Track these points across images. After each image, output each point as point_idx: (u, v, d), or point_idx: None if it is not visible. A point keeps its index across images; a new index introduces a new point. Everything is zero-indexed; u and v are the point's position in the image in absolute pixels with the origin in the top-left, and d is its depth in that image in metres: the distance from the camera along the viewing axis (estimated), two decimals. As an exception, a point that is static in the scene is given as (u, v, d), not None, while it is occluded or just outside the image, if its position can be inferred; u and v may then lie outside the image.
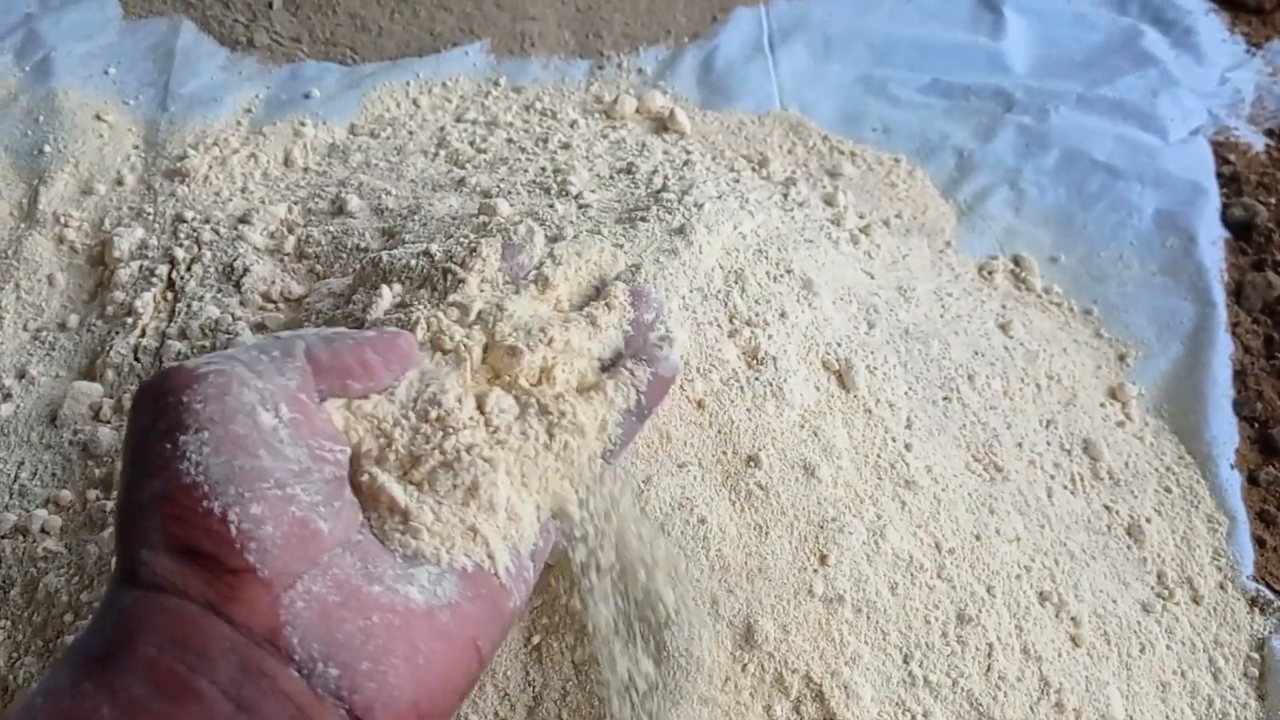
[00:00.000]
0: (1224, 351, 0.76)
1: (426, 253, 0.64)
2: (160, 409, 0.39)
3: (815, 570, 0.55)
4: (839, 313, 0.66)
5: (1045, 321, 0.78)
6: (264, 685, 0.36)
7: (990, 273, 0.81)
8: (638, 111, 0.90)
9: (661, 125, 0.89)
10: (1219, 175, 0.87)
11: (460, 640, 0.41)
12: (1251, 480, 0.71)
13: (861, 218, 0.81)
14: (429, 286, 0.55)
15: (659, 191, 0.71)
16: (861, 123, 0.92)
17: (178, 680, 0.35)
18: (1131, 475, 0.69)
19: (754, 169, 0.85)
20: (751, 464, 0.56)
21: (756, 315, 0.62)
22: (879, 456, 0.60)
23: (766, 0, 1.01)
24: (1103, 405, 0.73)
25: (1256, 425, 0.74)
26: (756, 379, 0.59)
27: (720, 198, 0.70)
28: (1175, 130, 0.89)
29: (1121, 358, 0.77)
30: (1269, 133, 0.91)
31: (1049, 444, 0.69)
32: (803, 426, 0.59)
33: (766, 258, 0.66)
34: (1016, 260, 0.82)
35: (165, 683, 0.35)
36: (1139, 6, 1.00)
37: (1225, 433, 0.72)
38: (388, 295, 0.62)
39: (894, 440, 0.61)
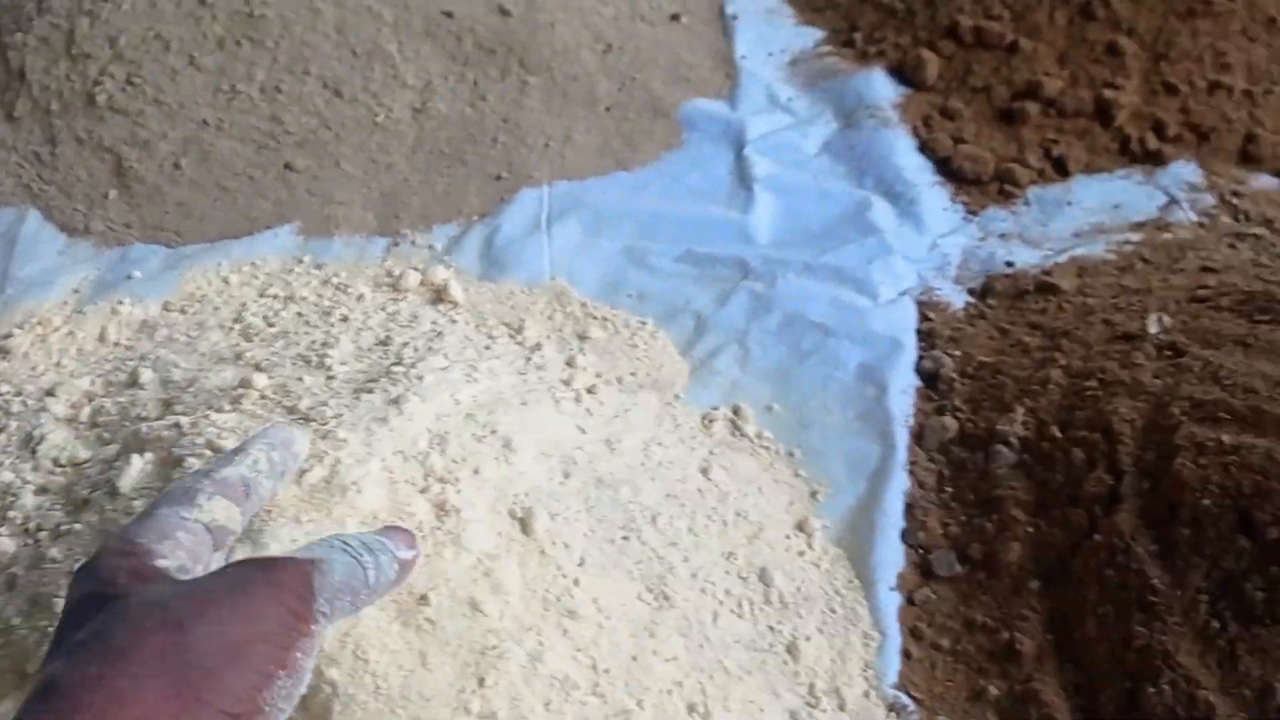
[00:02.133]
0: (899, 487, 0.89)
1: (176, 425, 0.76)
2: (290, 609, 0.45)
3: (474, 691, 0.65)
4: (537, 466, 0.78)
5: (750, 464, 0.90)
6: None
7: (711, 421, 0.93)
8: (422, 284, 1.03)
9: (439, 296, 1.02)
10: (918, 331, 1.00)
11: None
12: (909, 600, 0.83)
13: (599, 376, 0.93)
14: None
15: (394, 364, 0.83)
16: (620, 290, 1.05)
17: None
18: (802, 599, 0.81)
19: (511, 334, 0.97)
20: (422, 601, 0.67)
21: (450, 473, 0.74)
22: (547, 591, 0.71)
23: (551, 182, 1.15)
24: (788, 537, 0.85)
25: (920, 551, 0.86)
26: (439, 529, 0.71)
27: (445, 369, 0.82)
28: (885, 292, 1.03)
29: (813, 494, 0.89)
30: (971, 291, 1.05)
31: (726, 573, 0.80)
32: (476, 568, 0.70)
33: (475, 421, 0.78)
34: (736, 410, 0.95)
35: None
36: (874, 180, 1.15)
37: (891, 558, 0.84)
38: (137, 464, 0.73)
39: (564, 576, 0.73)
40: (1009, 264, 1.07)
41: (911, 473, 0.90)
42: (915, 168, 1.17)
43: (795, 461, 0.92)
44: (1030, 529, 0.84)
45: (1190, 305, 0.95)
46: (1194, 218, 1.13)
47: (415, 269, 1.04)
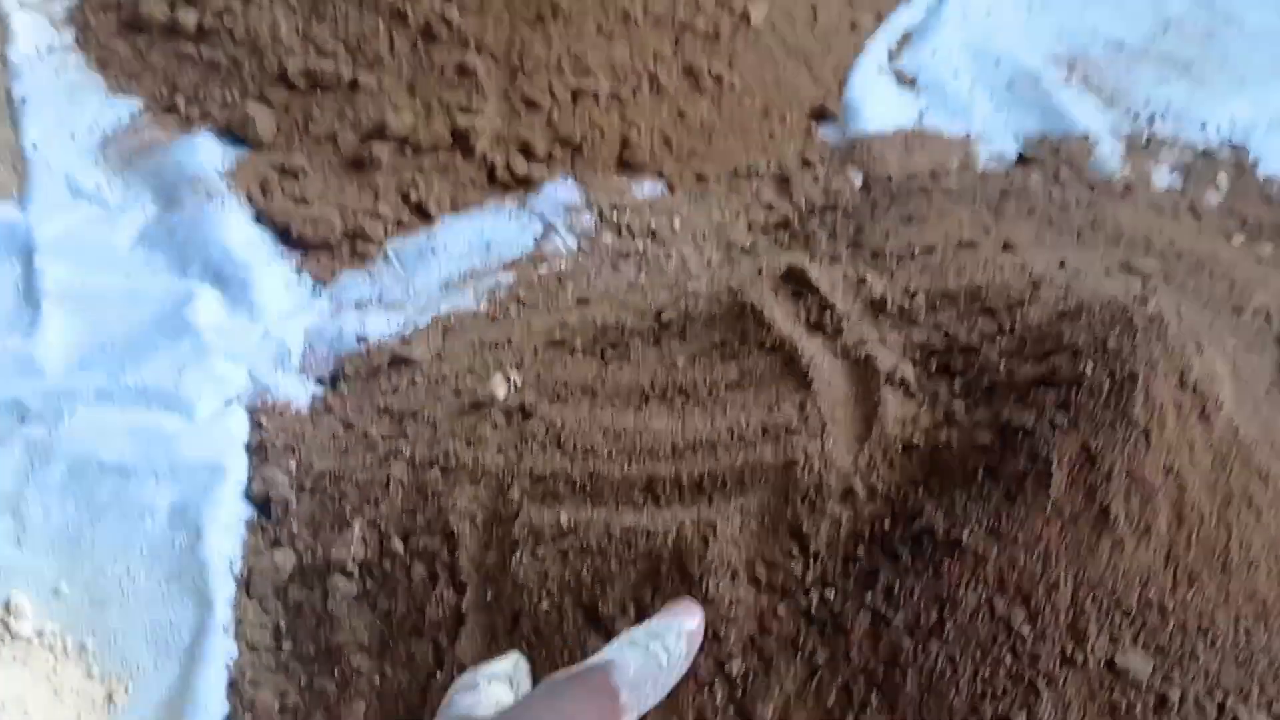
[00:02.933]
0: (220, 659, 0.70)
1: None
2: (600, 707, 0.49)
3: None
4: None
5: (21, 677, 0.68)
6: None
7: (-32, 633, 0.70)
8: None
9: None
10: (249, 446, 0.82)
11: None
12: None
13: None
14: None
15: None
16: None
17: None
18: None
19: None
20: None
21: None
22: None
23: None
24: (63, 772, 0.64)
25: (251, 740, 0.67)
26: None
27: None
28: (205, 406, 0.83)
29: (110, 697, 0.68)
30: (320, 380, 0.88)
31: None
32: None
33: None
34: (8, 605, 0.72)
35: None
36: (200, 267, 0.95)
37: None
38: None
39: None
40: (361, 338, 0.91)
41: (239, 635, 0.71)
42: (250, 243, 0.97)
43: (88, 656, 0.71)
44: (376, 678, 0.67)
45: (547, 352, 0.82)
46: (573, 243, 1.02)
47: None
